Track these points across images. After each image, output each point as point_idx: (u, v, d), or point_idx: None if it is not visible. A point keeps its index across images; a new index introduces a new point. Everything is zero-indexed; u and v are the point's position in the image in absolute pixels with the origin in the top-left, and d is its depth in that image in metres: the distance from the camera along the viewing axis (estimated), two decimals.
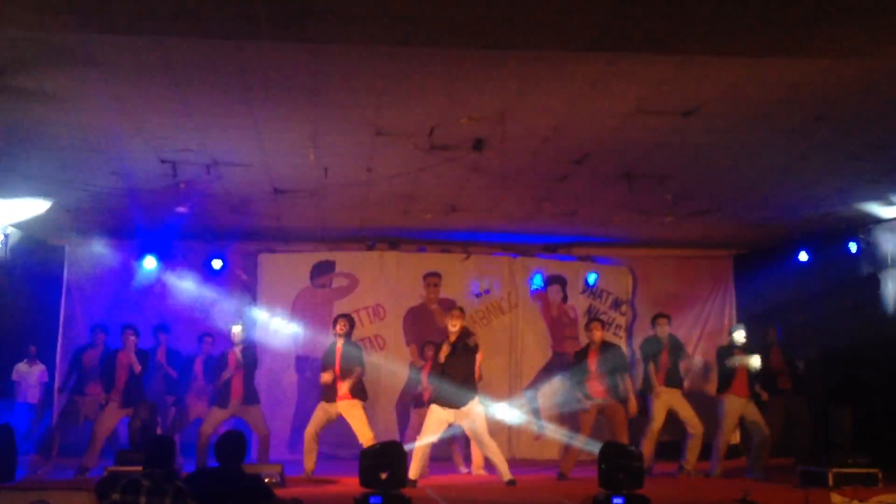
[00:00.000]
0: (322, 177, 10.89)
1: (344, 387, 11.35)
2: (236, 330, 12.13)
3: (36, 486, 9.32)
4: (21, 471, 11.14)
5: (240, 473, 7.07)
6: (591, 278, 15.53)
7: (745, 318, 14.91)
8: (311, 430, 11.48)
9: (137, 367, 11.76)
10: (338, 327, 11.67)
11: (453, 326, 10.83)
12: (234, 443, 7.20)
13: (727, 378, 11.98)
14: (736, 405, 11.85)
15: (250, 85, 8.04)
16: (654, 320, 12.73)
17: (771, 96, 8.25)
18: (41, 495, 8.29)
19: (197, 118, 8.95)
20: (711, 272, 15.99)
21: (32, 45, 7.16)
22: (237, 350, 11.97)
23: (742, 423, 12.22)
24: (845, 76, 7.74)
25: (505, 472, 10.82)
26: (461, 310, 11.31)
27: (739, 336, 12.18)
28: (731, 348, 12.16)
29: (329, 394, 11.48)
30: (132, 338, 11.93)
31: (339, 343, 11.55)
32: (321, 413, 11.57)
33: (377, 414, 13.75)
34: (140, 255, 14.50)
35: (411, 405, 13.17)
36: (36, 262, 14.27)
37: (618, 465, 8.35)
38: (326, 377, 11.34)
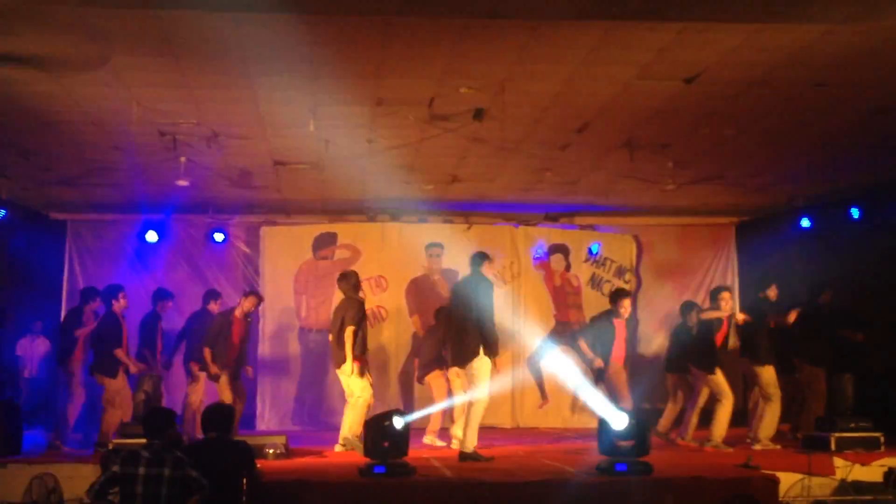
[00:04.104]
0: (322, 149, 10.88)
1: None
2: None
3: (41, 460, 9.38)
4: (39, 445, 11.21)
5: (227, 442, 7.27)
6: (595, 247, 15.54)
7: (747, 286, 14.92)
8: None
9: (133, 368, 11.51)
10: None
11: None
12: (220, 414, 7.37)
13: (768, 346, 11.29)
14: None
15: (248, 57, 8.02)
16: (716, 295, 11.51)
17: (771, 62, 8.22)
18: (46, 468, 8.37)
19: (195, 91, 8.93)
20: (714, 240, 16.01)
21: (29, 18, 7.15)
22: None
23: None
24: (844, 41, 7.70)
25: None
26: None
27: (774, 294, 11.50)
28: (763, 308, 11.42)
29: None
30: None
31: None
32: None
33: (381, 385, 13.81)
34: (142, 229, 14.50)
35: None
36: (38, 236, 14.28)
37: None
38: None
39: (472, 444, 9.70)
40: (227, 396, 11.31)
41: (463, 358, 9.76)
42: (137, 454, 6.56)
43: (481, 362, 9.66)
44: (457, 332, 9.92)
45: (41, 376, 14.13)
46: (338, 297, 14.55)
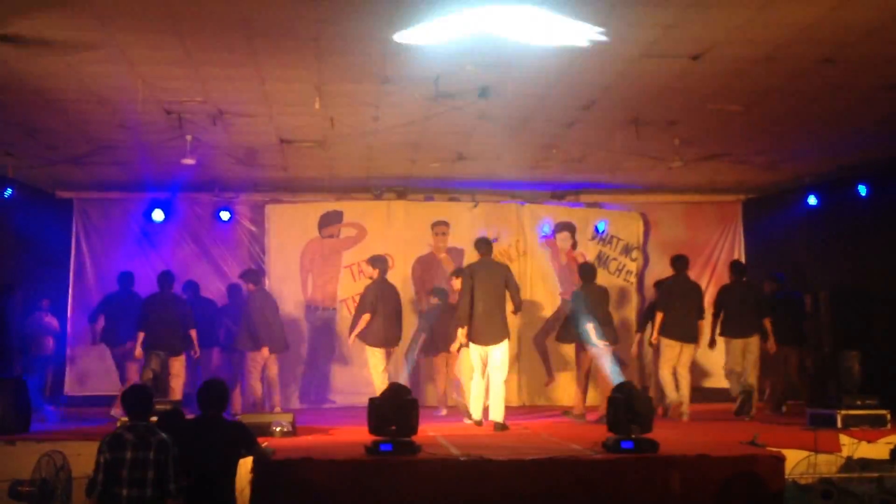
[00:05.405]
0: (328, 126, 10.86)
1: None
2: None
3: (50, 437, 9.40)
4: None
5: (220, 421, 7.20)
6: (601, 225, 15.50)
7: (753, 263, 14.89)
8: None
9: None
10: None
11: None
12: (214, 391, 7.29)
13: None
14: None
15: (253, 34, 7.99)
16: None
17: (779, 38, 8.17)
18: (55, 446, 8.38)
19: (201, 68, 8.91)
20: (720, 217, 15.94)
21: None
22: None
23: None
24: (852, 17, 7.65)
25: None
26: None
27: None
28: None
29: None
30: None
31: None
32: None
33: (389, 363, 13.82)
34: (148, 208, 14.51)
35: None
36: (44, 215, 14.28)
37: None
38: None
39: None
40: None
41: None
42: (122, 438, 6.47)
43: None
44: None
45: (51, 354, 14.18)
46: (345, 275, 14.76)
